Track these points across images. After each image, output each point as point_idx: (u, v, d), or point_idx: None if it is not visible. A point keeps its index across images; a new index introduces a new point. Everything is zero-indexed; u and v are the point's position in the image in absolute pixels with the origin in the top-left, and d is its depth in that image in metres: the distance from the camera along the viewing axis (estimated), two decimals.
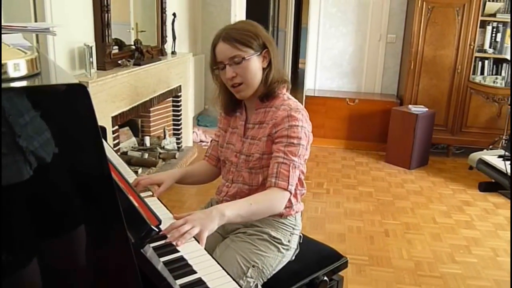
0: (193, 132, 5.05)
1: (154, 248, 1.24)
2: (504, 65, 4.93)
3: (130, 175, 1.78)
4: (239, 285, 1.21)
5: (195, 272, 1.20)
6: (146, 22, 4.10)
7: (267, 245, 1.64)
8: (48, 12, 2.71)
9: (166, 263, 1.20)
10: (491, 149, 4.30)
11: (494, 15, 4.78)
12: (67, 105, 0.71)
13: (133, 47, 3.63)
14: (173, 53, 4.37)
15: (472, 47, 4.72)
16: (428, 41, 4.78)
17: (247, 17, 5.89)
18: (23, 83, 0.84)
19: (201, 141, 5.18)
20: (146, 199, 1.54)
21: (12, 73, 0.83)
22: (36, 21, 2.69)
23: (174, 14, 4.31)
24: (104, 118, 3.04)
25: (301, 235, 1.82)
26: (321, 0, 5.41)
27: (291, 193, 1.58)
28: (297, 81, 9.21)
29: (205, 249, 1.34)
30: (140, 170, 3.77)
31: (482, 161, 2.19)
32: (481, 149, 3.81)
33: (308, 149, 1.65)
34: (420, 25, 4.75)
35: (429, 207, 3.82)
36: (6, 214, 0.71)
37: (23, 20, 2.56)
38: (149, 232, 0.94)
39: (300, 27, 10.02)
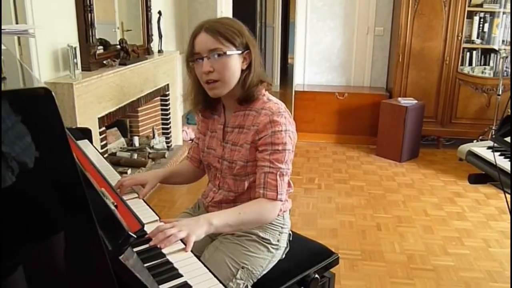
0: (183, 130, 5.01)
1: (139, 252, 1.21)
2: (492, 55, 4.93)
3: (115, 178, 1.75)
4: None
5: (181, 276, 1.18)
6: (132, 21, 4.05)
7: (256, 246, 1.62)
8: (29, 13, 2.66)
9: (151, 267, 1.17)
10: (481, 140, 4.31)
11: (481, 5, 4.77)
12: (31, 110, 0.68)
13: (119, 46, 3.59)
14: (160, 51, 4.33)
15: (459, 38, 4.72)
16: (416, 33, 4.77)
17: (234, 13, 5.86)
18: None
19: (191, 139, 5.14)
20: (131, 201, 1.52)
21: None
22: (17, 22, 2.64)
23: (159, 12, 4.27)
24: (90, 120, 3.00)
25: (291, 232, 1.79)
26: None
27: (282, 201, 1.55)
28: (286, 77, 9.19)
29: (193, 252, 1.32)
30: (129, 171, 3.73)
31: (471, 153, 2.17)
32: (471, 140, 3.81)
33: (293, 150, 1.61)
34: (408, 17, 4.74)
35: (421, 199, 3.82)
36: None
37: (3, 22, 2.51)
38: (127, 238, 0.91)
39: (288, 22, 9.98)
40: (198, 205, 1.85)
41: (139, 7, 4.07)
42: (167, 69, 4.31)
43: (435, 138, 5.16)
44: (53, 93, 0.68)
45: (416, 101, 4.68)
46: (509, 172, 1.90)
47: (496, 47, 4.79)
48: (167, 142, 4.54)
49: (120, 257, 0.89)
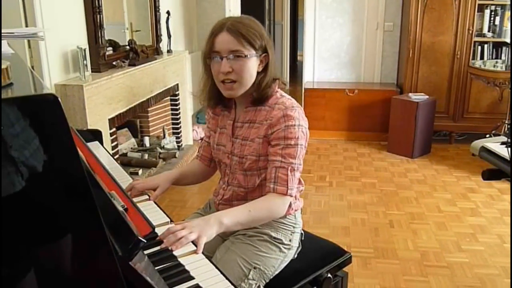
0: (193, 130, 5.01)
1: (150, 255, 1.21)
2: (504, 48, 4.87)
3: (126, 180, 1.75)
4: None
5: (192, 278, 1.18)
6: (141, 22, 4.06)
7: (268, 246, 1.61)
8: (39, 16, 2.67)
9: (162, 270, 1.17)
10: (493, 134, 4.25)
11: None
12: (38, 116, 0.68)
13: (128, 47, 3.60)
14: (169, 51, 4.33)
15: (470, 31, 4.66)
16: (426, 27, 4.72)
17: (242, 12, 5.84)
18: None
19: (201, 138, 5.12)
20: (142, 204, 1.51)
21: None
22: (26, 25, 2.65)
23: (168, 12, 4.27)
24: (101, 121, 3.01)
25: (303, 232, 1.78)
26: None
27: (292, 196, 1.54)
28: (296, 74, 9.16)
29: (204, 253, 1.31)
30: (140, 171, 3.74)
31: (484, 149, 2.15)
32: (484, 135, 3.76)
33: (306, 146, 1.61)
34: (417, 12, 4.69)
35: (433, 195, 3.78)
36: None
37: (13, 25, 2.52)
38: (137, 243, 0.90)
39: (297, 19, 9.94)
40: (210, 204, 1.85)
41: (148, 8, 4.07)
42: (176, 68, 4.31)
43: (447, 133, 5.11)
44: (59, 99, 0.67)
45: (427, 97, 4.63)
46: None
47: (507, 40, 4.73)
48: (177, 142, 4.54)
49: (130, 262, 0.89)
